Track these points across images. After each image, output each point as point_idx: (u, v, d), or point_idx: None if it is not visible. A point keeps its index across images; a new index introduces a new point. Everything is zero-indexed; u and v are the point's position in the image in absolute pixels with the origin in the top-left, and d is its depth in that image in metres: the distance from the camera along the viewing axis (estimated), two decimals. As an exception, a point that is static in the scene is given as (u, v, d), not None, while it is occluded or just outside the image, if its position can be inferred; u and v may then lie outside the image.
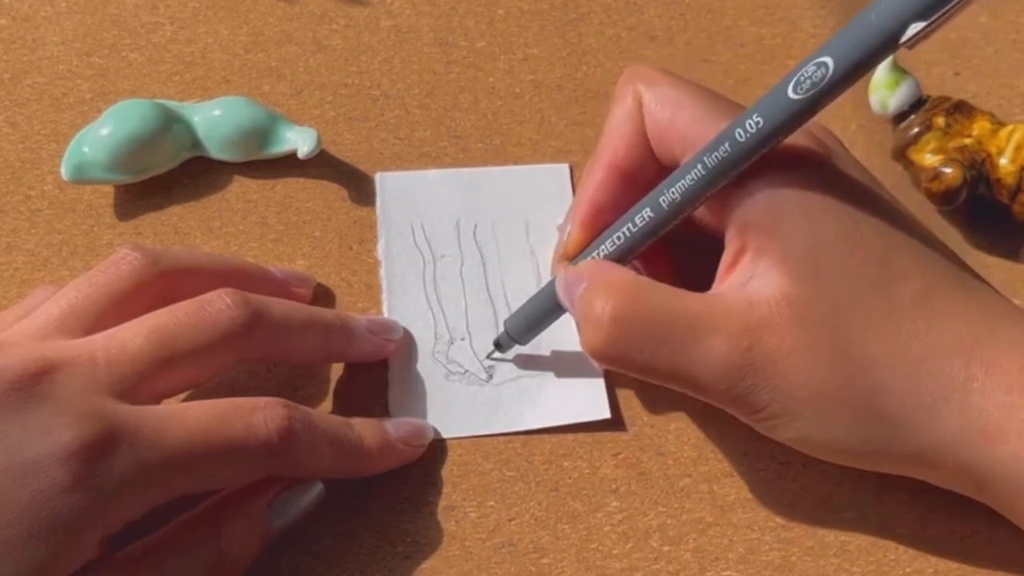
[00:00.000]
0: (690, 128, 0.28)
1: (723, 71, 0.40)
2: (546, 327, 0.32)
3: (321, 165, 0.37)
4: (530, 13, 0.41)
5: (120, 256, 0.29)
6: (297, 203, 0.36)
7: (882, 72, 0.37)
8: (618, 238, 0.29)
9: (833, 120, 0.39)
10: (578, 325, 0.28)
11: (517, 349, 0.33)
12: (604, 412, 0.32)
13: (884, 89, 0.37)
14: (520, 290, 0.34)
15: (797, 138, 0.27)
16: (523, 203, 0.36)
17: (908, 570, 0.29)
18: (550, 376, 0.33)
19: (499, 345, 0.32)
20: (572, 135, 0.38)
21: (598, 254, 0.29)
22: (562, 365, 0.33)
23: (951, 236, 0.36)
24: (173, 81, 0.39)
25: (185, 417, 0.26)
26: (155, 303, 0.28)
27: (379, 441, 0.30)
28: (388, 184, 0.37)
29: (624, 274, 0.28)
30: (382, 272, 0.35)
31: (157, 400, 0.27)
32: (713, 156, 0.26)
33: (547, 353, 0.33)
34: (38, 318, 0.28)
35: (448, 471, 0.31)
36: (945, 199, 0.35)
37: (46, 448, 0.24)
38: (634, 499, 0.31)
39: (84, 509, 0.24)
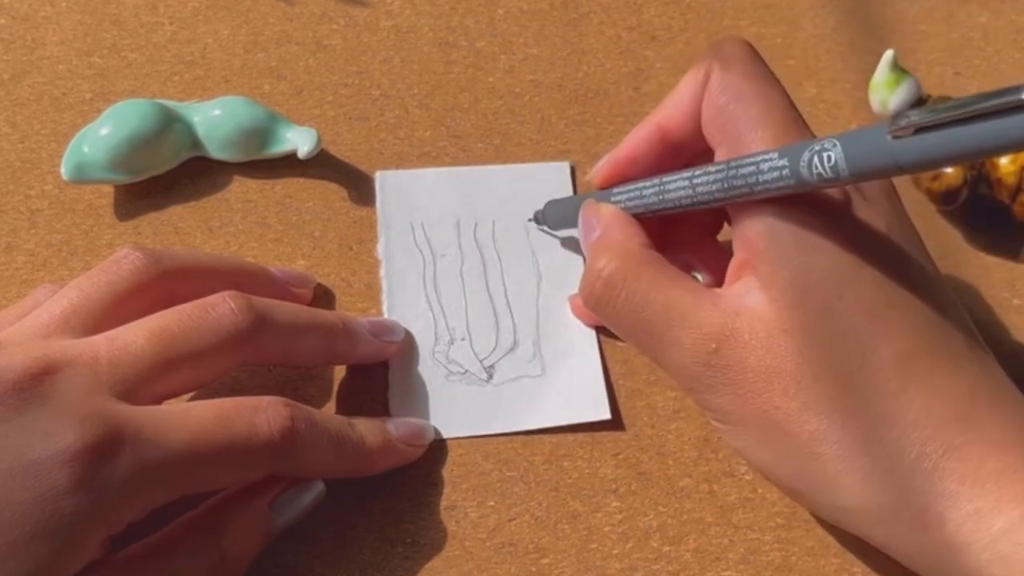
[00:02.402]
0: (732, 126, 0.28)
1: (723, 71, 0.40)
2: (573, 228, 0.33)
3: (321, 165, 0.37)
4: (530, 13, 0.41)
5: (121, 256, 0.29)
6: (297, 203, 0.36)
7: (882, 72, 0.37)
8: (635, 200, 0.30)
9: (834, 121, 0.39)
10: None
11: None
12: (604, 413, 0.32)
13: (884, 89, 0.37)
14: (520, 290, 0.34)
15: None
16: (524, 202, 0.36)
17: (908, 570, 0.29)
18: (550, 376, 0.33)
19: (537, 219, 0.35)
20: (572, 135, 0.38)
21: (619, 202, 0.31)
22: (562, 365, 0.33)
23: (951, 236, 0.36)
24: (173, 81, 0.39)
25: (187, 417, 0.26)
26: (156, 303, 0.28)
27: (380, 441, 0.30)
28: (388, 183, 0.37)
29: (633, 239, 0.29)
30: (382, 272, 0.35)
31: (158, 402, 0.27)
32: (722, 184, 0.26)
33: (547, 353, 0.33)
34: (40, 317, 0.28)
35: (448, 471, 0.31)
36: (945, 199, 0.35)
37: (48, 450, 0.24)
38: (634, 499, 0.31)
39: (86, 510, 0.24)
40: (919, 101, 0.36)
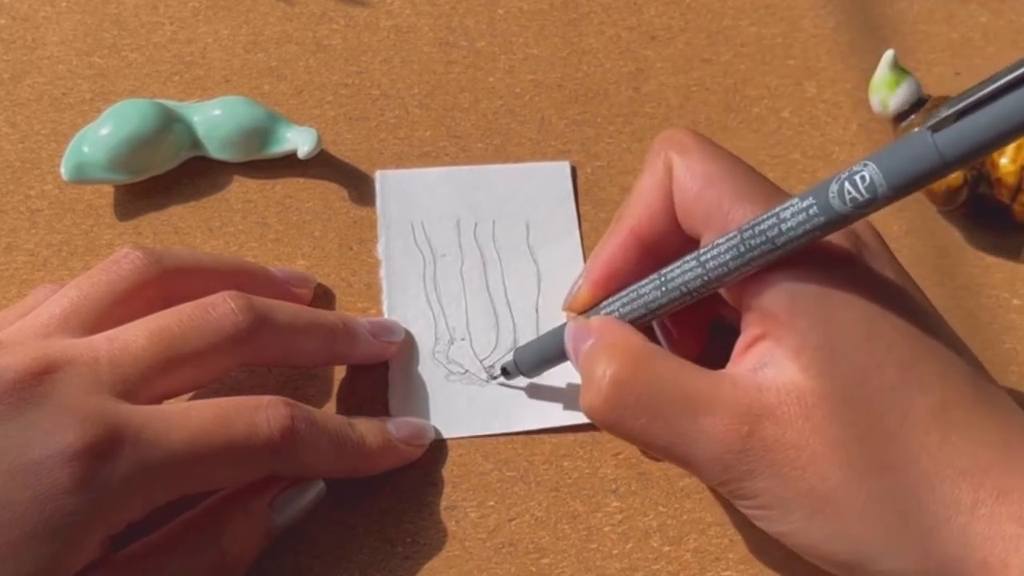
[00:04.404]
0: (715, 206, 0.27)
1: (723, 71, 0.40)
2: (555, 367, 0.31)
3: (321, 165, 0.37)
4: (530, 13, 0.41)
5: (122, 255, 0.29)
6: (297, 203, 0.36)
7: (883, 72, 0.37)
8: (631, 302, 0.28)
9: (834, 120, 0.39)
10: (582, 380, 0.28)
11: (524, 378, 0.32)
12: (604, 412, 0.32)
13: (885, 89, 0.37)
14: (520, 290, 0.34)
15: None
16: (524, 202, 0.36)
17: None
18: (550, 377, 0.33)
19: (506, 372, 0.32)
20: (572, 135, 0.38)
21: (611, 312, 0.29)
22: (562, 365, 0.33)
23: (951, 236, 0.36)
24: (173, 81, 0.39)
25: (187, 417, 0.26)
26: (156, 303, 0.28)
27: (380, 441, 0.30)
28: (388, 182, 0.37)
29: (632, 337, 0.27)
30: (382, 271, 0.35)
31: (158, 401, 0.27)
32: (739, 248, 0.25)
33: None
34: (40, 316, 0.28)
35: (448, 471, 0.31)
36: (945, 199, 0.35)
37: (48, 449, 0.24)
38: (634, 499, 0.31)
39: (86, 510, 0.24)
40: (919, 101, 0.36)
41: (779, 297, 0.25)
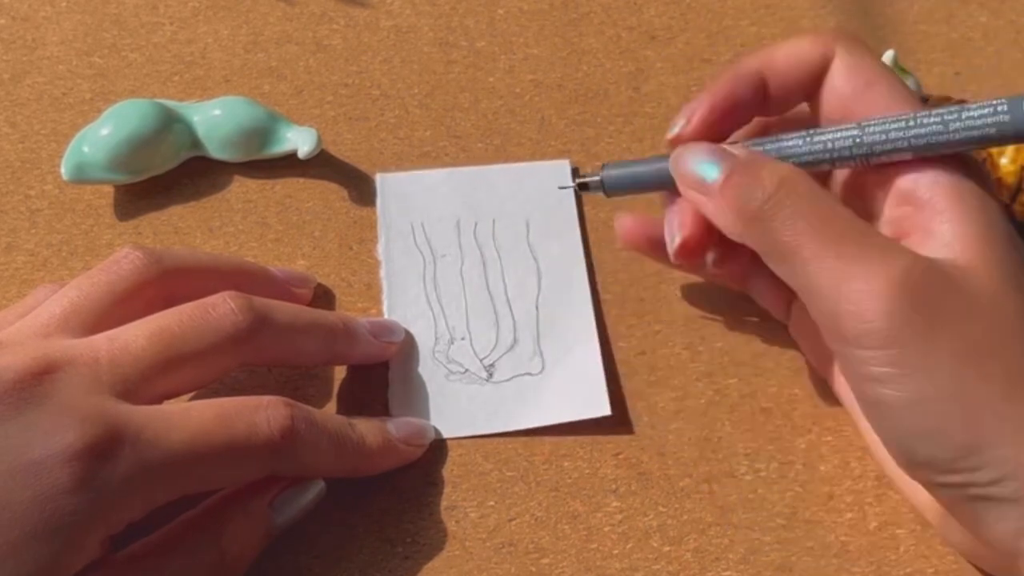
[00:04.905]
0: (871, 106, 0.28)
1: (723, 71, 0.40)
2: (642, 192, 0.31)
3: (321, 165, 0.37)
4: (530, 13, 0.41)
5: (122, 255, 0.29)
6: (297, 203, 0.36)
7: (882, 72, 0.37)
8: (765, 144, 0.28)
9: (833, 120, 0.39)
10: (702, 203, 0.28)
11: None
12: (604, 409, 0.32)
13: (884, 89, 0.37)
14: (520, 288, 0.34)
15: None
16: (524, 201, 0.36)
17: (908, 570, 0.29)
18: (550, 373, 0.33)
19: (585, 186, 0.32)
20: (572, 135, 0.38)
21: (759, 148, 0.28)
22: (563, 362, 0.33)
23: (951, 236, 0.36)
24: (173, 81, 0.39)
25: (187, 417, 0.26)
26: (156, 303, 0.28)
27: (380, 441, 0.30)
28: (388, 184, 0.37)
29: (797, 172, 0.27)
30: (382, 272, 0.35)
31: (158, 401, 0.27)
32: (908, 123, 0.26)
33: (548, 350, 0.33)
34: (40, 316, 0.28)
35: (448, 471, 0.31)
36: (945, 199, 0.35)
37: (48, 449, 0.24)
38: (634, 499, 0.31)
39: (86, 510, 0.24)
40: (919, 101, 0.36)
41: (941, 185, 0.26)
